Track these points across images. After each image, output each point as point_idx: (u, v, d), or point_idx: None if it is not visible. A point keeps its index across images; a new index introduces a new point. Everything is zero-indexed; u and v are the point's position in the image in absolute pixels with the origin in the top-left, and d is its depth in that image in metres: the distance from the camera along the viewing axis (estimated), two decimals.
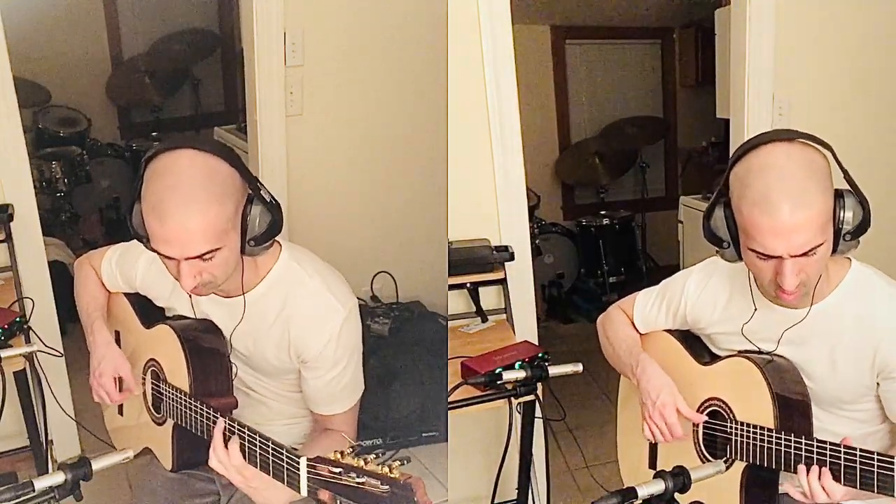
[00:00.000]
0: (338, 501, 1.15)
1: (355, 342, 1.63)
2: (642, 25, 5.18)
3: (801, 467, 1.37)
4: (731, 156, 1.44)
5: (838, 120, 2.87)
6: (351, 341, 1.61)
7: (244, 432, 1.37)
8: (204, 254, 1.41)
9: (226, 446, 1.39)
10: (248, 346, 1.64)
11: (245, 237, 1.47)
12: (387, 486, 1.09)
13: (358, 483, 1.12)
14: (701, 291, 1.66)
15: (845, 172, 1.42)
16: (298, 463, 1.22)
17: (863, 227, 1.40)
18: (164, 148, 1.43)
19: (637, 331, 1.81)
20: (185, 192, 1.38)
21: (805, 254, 1.33)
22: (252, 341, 1.63)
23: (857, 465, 1.32)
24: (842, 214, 1.37)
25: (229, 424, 1.42)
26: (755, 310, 1.56)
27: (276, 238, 1.55)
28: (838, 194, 1.38)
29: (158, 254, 1.44)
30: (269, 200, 1.50)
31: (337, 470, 1.15)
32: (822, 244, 1.34)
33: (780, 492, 1.58)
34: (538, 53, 5.01)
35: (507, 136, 2.47)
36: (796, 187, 1.32)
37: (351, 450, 1.16)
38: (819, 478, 1.35)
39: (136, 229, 1.49)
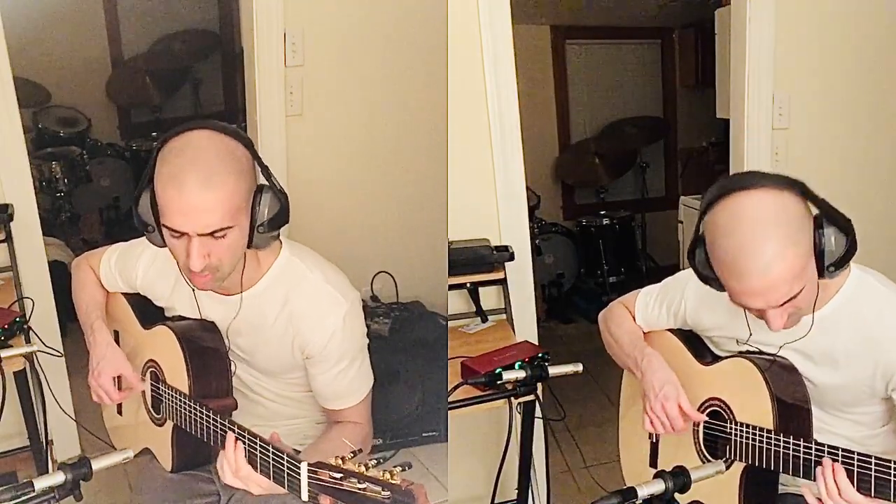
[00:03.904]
0: None
1: (360, 334, 1.64)
2: (642, 25, 5.18)
3: (819, 469, 1.35)
4: (700, 203, 1.39)
5: (838, 120, 2.87)
6: (355, 333, 1.62)
7: (244, 436, 1.37)
8: (216, 231, 1.41)
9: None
10: (249, 344, 1.64)
11: (253, 224, 1.48)
12: (388, 492, 1.09)
13: (359, 489, 1.12)
14: (701, 297, 1.65)
15: (823, 203, 1.36)
16: (299, 468, 1.22)
17: (848, 255, 1.36)
18: (181, 129, 1.45)
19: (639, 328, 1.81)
20: (204, 164, 1.40)
21: (787, 300, 1.32)
22: (254, 340, 1.63)
23: (855, 469, 1.31)
24: (823, 244, 1.34)
25: (229, 428, 1.42)
26: (750, 335, 1.55)
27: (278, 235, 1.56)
28: (818, 223, 1.34)
29: (169, 231, 1.44)
30: (279, 188, 1.51)
31: (338, 475, 1.15)
32: (801, 290, 1.32)
33: (779, 492, 1.59)
34: (538, 53, 5.01)
35: (507, 136, 2.47)
36: (763, 249, 1.28)
37: (352, 455, 1.16)
38: (834, 475, 1.33)
39: (143, 216, 1.49)
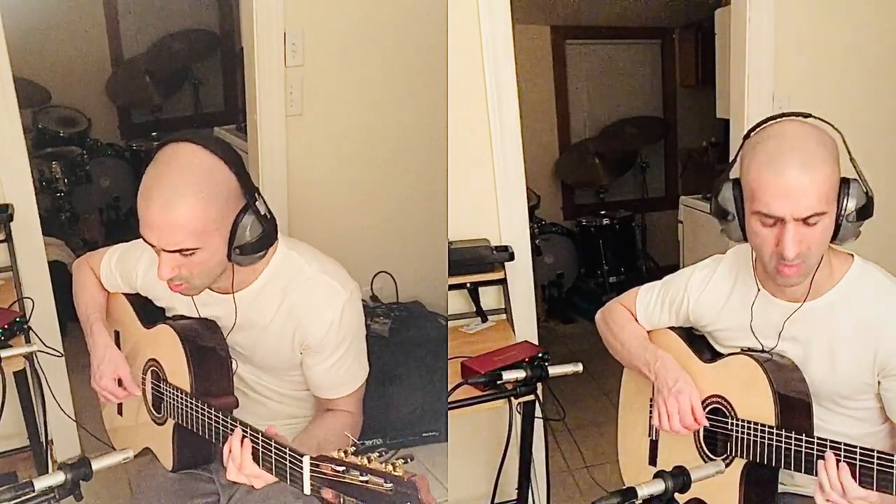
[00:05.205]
0: (341, 500, 1.15)
1: (357, 324, 1.65)
2: (642, 25, 5.18)
3: (821, 462, 1.37)
4: (744, 134, 1.48)
5: (838, 119, 2.85)
6: (353, 324, 1.62)
7: (246, 432, 1.37)
8: (181, 250, 1.43)
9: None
10: (250, 341, 1.64)
11: (231, 244, 1.48)
12: (390, 484, 1.09)
13: (361, 481, 1.12)
14: (703, 289, 1.67)
15: (852, 159, 1.45)
16: (301, 462, 1.22)
17: (865, 211, 1.42)
18: (172, 139, 1.46)
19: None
20: (176, 183, 1.41)
21: (807, 222, 1.36)
22: (254, 336, 1.63)
23: (857, 463, 1.32)
24: (845, 201, 1.40)
25: (231, 424, 1.42)
26: (759, 291, 1.56)
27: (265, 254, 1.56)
28: (844, 181, 1.41)
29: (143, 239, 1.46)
30: (263, 213, 1.50)
31: (340, 468, 1.15)
32: (824, 214, 1.36)
33: (779, 492, 1.59)
34: (538, 53, 5.01)
35: (507, 136, 2.47)
36: (804, 151, 1.36)
37: (354, 448, 1.16)
38: (838, 471, 1.34)
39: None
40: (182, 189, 1.40)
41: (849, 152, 1.45)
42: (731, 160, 1.54)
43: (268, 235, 1.51)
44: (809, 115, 1.44)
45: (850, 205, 1.41)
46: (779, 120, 1.43)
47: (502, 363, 1.90)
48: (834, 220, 1.40)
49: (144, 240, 1.46)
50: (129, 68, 4.76)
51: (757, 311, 1.57)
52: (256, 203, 1.50)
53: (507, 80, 2.44)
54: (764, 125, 1.44)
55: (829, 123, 1.44)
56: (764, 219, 1.39)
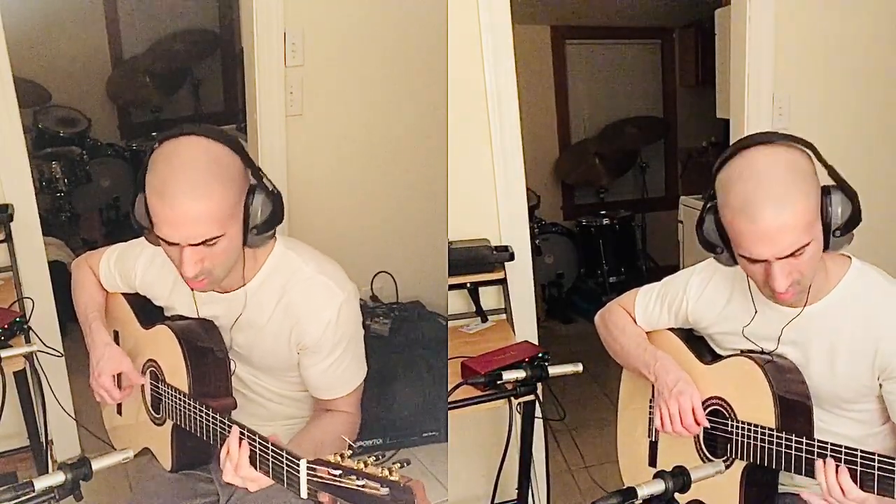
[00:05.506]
0: None
1: (355, 325, 1.64)
2: (642, 25, 5.18)
3: (819, 463, 1.37)
4: (714, 166, 1.44)
5: (838, 120, 2.87)
6: (350, 325, 1.62)
7: (244, 434, 1.37)
8: (207, 240, 1.42)
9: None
10: (248, 340, 1.64)
11: (247, 226, 1.48)
12: (386, 489, 1.09)
13: (358, 486, 1.12)
14: (702, 291, 1.67)
15: (830, 169, 1.42)
16: (298, 465, 1.22)
17: (852, 221, 1.40)
18: (169, 135, 1.46)
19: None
20: (190, 175, 1.40)
21: (793, 255, 1.34)
22: (252, 335, 1.63)
23: (858, 466, 1.32)
24: (829, 211, 1.38)
25: (228, 425, 1.42)
26: (755, 312, 1.56)
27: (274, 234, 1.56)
28: (825, 191, 1.39)
29: (161, 240, 1.45)
30: (270, 189, 1.51)
31: (336, 472, 1.15)
32: (808, 243, 1.35)
33: (779, 492, 1.59)
34: (538, 53, 5.01)
35: (507, 136, 2.47)
36: (776, 191, 1.33)
37: (350, 451, 1.16)
38: (837, 474, 1.34)
39: (139, 219, 1.51)
40: (200, 178, 1.40)
41: (825, 165, 1.42)
42: (709, 190, 1.47)
43: (277, 212, 1.52)
44: (775, 137, 1.39)
45: (836, 219, 1.38)
46: (745, 152, 1.38)
47: (502, 363, 1.90)
48: (822, 239, 1.38)
49: (162, 239, 1.44)
50: (129, 68, 4.75)
51: (756, 315, 1.57)
52: (263, 181, 1.51)
53: (507, 80, 2.44)
54: (731, 157, 1.39)
55: (798, 139, 1.40)
56: (749, 259, 1.38)
